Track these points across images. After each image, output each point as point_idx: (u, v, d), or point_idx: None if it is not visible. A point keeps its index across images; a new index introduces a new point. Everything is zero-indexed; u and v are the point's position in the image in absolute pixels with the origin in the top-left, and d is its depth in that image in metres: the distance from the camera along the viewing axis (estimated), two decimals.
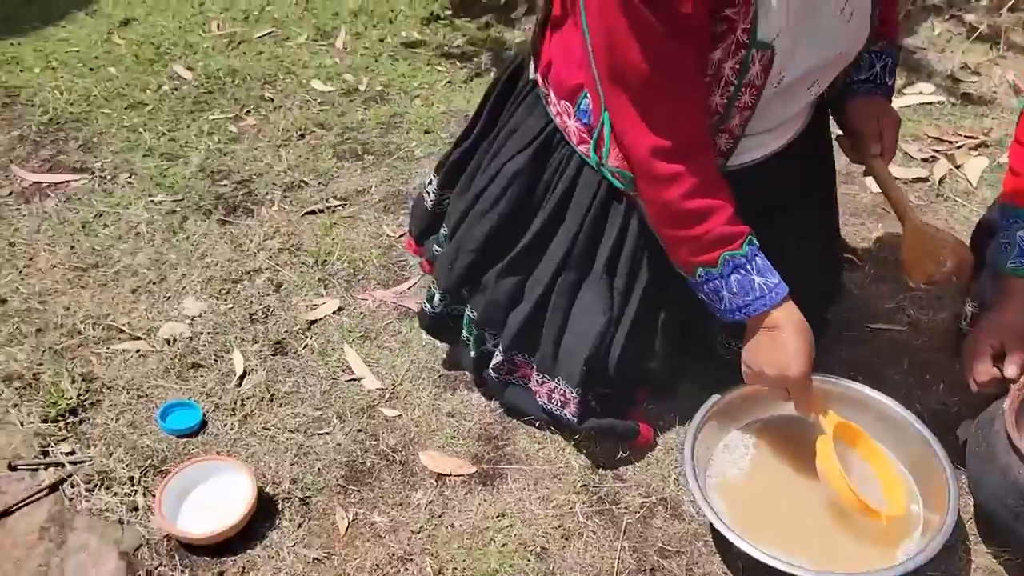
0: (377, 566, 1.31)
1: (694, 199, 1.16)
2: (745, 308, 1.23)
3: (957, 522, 1.32)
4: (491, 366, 1.52)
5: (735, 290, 1.22)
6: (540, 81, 1.37)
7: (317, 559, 1.31)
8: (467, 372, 1.63)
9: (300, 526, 1.35)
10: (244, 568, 1.28)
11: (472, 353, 1.55)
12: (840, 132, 1.44)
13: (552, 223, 1.41)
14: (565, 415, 1.43)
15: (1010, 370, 1.24)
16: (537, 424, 1.53)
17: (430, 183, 1.74)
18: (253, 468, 1.41)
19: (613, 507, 1.40)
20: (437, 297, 1.57)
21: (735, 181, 1.21)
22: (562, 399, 1.44)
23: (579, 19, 1.17)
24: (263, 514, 1.35)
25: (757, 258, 1.21)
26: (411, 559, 1.32)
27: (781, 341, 1.22)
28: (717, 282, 1.23)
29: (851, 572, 1.19)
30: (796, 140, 1.34)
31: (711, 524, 1.33)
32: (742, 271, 1.20)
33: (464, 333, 1.57)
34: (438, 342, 1.71)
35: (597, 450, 1.49)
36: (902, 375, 1.57)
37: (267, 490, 1.39)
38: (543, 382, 1.46)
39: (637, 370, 1.44)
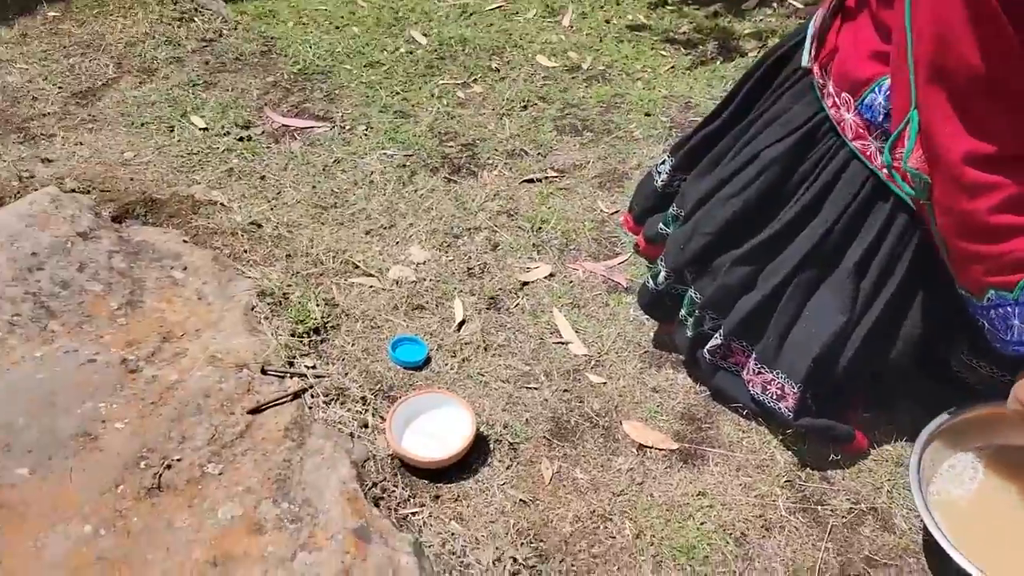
0: (578, 518, 1.35)
1: (1003, 214, 1.08)
2: None
3: None
4: (707, 348, 1.52)
5: None
6: (817, 71, 1.35)
7: (523, 501, 1.37)
8: (675, 352, 1.64)
9: (509, 468, 1.42)
10: (458, 496, 1.36)
11: (689, 333, 1.56)
12: None
13: (804, 215, 1.38)
14: (780, 409, 1.42)
15: None
16: (743, 412, 1.52)
17: (663, 163, 1.76)
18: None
19: (818, 507, 1.37)
20: (663, 275, 1.59)
21: None
22: (779, 392, 1.42)
23: (876, 11, 1.14)
24: (476, 451, 1.43)
25: None
26: (611, 519, 1.36)
27: None
28: (1009, 308, 1.15)
29: None
30: None
31: (925, 541, 1.27)
32: None
33: (683, 312, 1.58)
34: (645, 319, 1.73)
35: (804, 448, 1.46)
36: None
37: (480, 430, 1.47)
38: (759, 372, 1.45)
39: (866, 375, 1.40)
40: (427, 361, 1.60)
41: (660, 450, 1.48)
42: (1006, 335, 1.17)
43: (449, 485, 1.38)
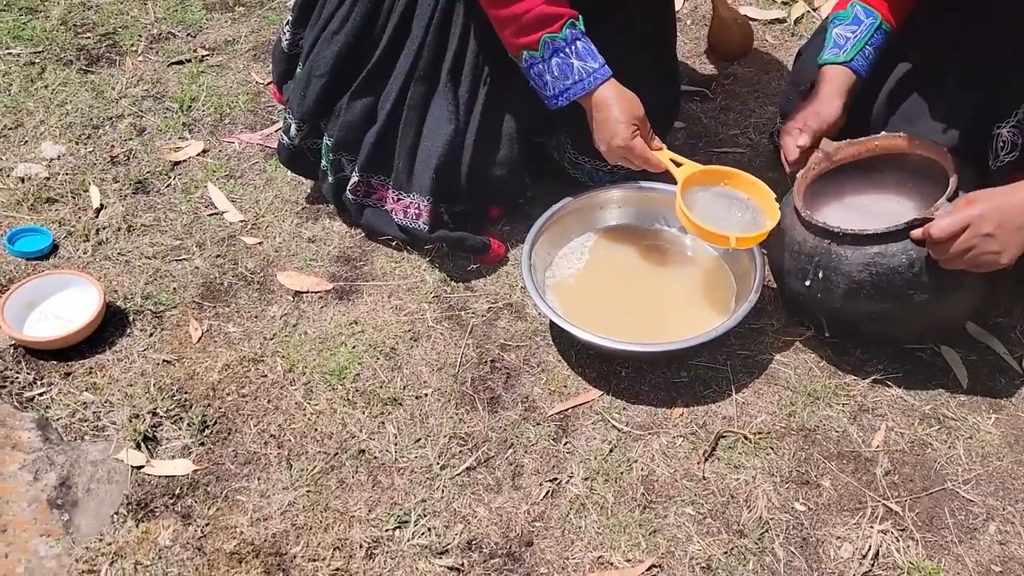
0: (227, 366, 1.36)
1: None
2: (567, 92, 1.29)
3: (770, 311, 1.44)
4: (348, 188, 1.56)
5: (556, 74, 1.27)
6: None
7: (167, 361, 1.35)
8: (328, 202, 1.66)
9: (151, 335, 1.39)
10: (92, 369, 1.32)
11: (330, 179, 1.58)
12: None
13: (398, 36, 1.43)
14: (418, 225, 1.49)
15: (802, 139, 1.32)
16: (394, 244, 1.58)
17: (287, 23, 1.73)
18: (104, 286, 1.43)
19: (461, 312, 1.47)
20: (293, 127, 1.58)
21: None
22: (416, 212, 1.49)
23: None
24: (114, 325, 1.39)
25: (578, 42, 1.26)
26: (262, 360, 1.38)
27: (604, 117, 1.29)
28: (540, 66, 1.27)
29: (658, 342, 1.30)
30: None
31: (551, 321, 1.41)
32: (562, 54, 1.25)
33: (323, 162, 1.60)
34: (304, 179, 1.73)
35: (451, 266, 1.55)
36: None
37: (119, 304, 1.42)
38: (399, 199, 1.51)
39: (487, 179, 1.49)
40: (54, 249, 1.51)
41: (316, 292, 1.51)
42: (545, 91, 1.30)
43: (82, 361, 1.33)
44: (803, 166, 1.34)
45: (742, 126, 1.80)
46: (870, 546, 1.15)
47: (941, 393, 1.31)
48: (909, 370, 1.34)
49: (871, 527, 1.16)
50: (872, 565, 1.13)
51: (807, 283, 1.27)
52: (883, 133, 1.33)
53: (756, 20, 2.07)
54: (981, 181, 1.24)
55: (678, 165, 1.37)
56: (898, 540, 1.15)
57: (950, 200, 1.18)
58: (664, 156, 1.37)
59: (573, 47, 1.25)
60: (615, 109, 1.29)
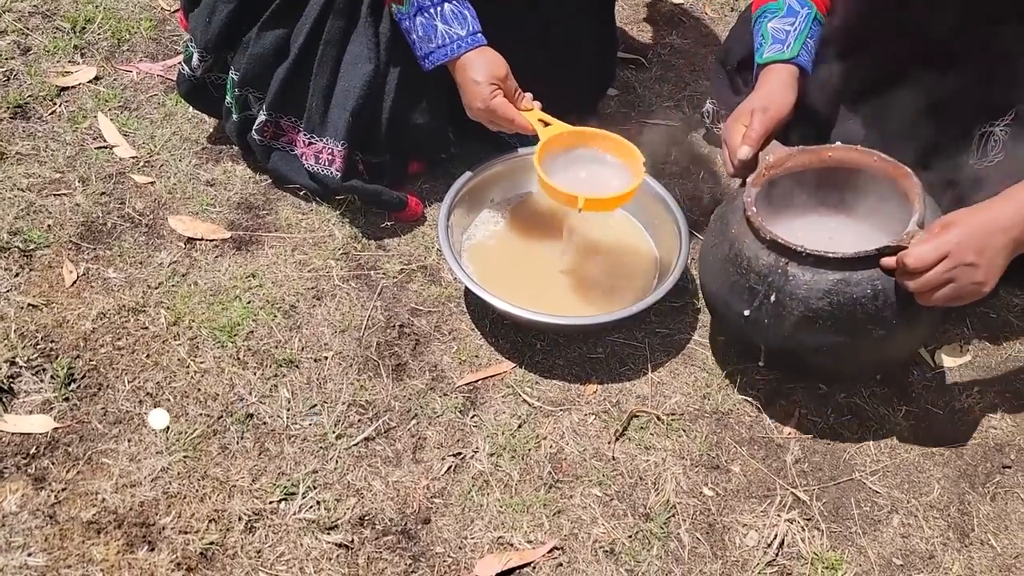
0: (103, 315, 1.23)
1: None
2: (431, 55, 1.22)
3: (691, 290, 1.39)
4: (255, 128, 1.43)
5: (421, 34, 1.20)
6: None
7: (33, 305, 1.21)
8: (232, 142, 1.53)
9: (17, 275, 1.25)
10: None
11: (235, 117, 1.45)
12: None
13: None
14: (330, 172, 1.38)
15: (743, 151, 1.18)
16: (303, 193, 1.47)
17: None
18: None
19: (371, 272, 1.37)
20: (196, 57, 1.44)
21: None
22: (329, 157, 1.38)
23: None
24: None
25: (447, 4, 1.18)
26: (144, 311, 1.25)
27: (462, 80, 1.24)
28: (407, 23, 1.20)
29: (577, 316, 1.24)
30: None
31: (465, 287, 1.33)
32: (426, 14, 1.18)
33: (228, 98, 1.46)
34: (206, 116, 1.59)
35: (363, 221, 1.45)
36: (668, 164, 1.60)
37: None
38: (310, 143, 1.39)
39: (408, 128, 1.39)
40: None
41: (210, 240, 1.38)
42: (415, 51, 1.24)
43: None
44: (750, 171, 1.19)
45: (676, 98, 1.75)
46: (776, 535, 1.12)
47: (855, 382, 1.30)
48: None
49: (778, 515, 1.14)
50: (777, 554, 1.10)
51: (754, 305, 1.10)
52: (838, 144, 1.19)
53: None
54: (944, 203, 1.13)
55: (546, 125, 1.29)
56: (803, 530, 1.13)
57: (920, 226, 1.05)
58: (533, 116, 1.29)
59: (439, 9, 1.18)
60: (472, 71, 1.23)
